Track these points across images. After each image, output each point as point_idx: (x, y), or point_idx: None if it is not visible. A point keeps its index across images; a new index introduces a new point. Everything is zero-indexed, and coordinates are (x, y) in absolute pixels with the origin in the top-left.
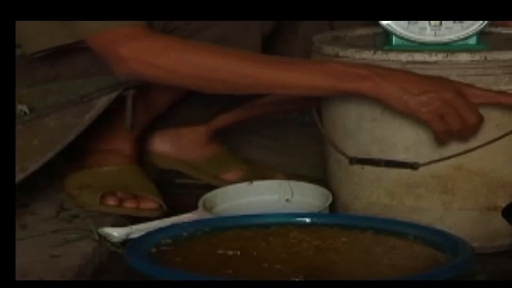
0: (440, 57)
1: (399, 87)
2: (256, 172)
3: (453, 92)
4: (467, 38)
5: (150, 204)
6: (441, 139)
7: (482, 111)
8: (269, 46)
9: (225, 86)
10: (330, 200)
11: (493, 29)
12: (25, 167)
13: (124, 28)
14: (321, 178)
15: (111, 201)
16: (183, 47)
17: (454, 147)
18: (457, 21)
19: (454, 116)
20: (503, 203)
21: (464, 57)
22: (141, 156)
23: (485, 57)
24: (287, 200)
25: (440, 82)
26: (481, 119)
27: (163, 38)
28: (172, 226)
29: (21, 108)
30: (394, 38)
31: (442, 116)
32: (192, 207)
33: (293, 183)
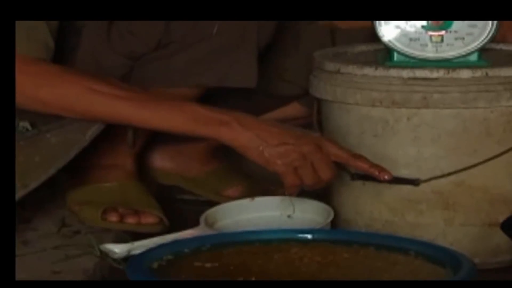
0: (441, 73)
1: (257, 136)
2: (258, 187)
3: (312, 146)
4: (468, 54)
5: (151, 218)
6: (290, 191)
7: (484, 124)
8: (271, 61)
9: (94, 119)
10: (332, 216)
11: (494, 46)
12: (26, 183)
13: (21, 53)
14: (323, 194)
15: (113, 217)
16: (56, 79)
17: (455, 163)
18: (458, 38)
19: (308, 170)
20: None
21: (465, 73)
22: (142, 172)
23: (487, 74)
24: (289, 216)
25: (301, 135)
26: (333, 175)
27: (43, 67)
28: (174, 242)
29: (23, 124)
30: (395, 54)
31: (296, 169)
32: (194, 223)
33: (294, 199)
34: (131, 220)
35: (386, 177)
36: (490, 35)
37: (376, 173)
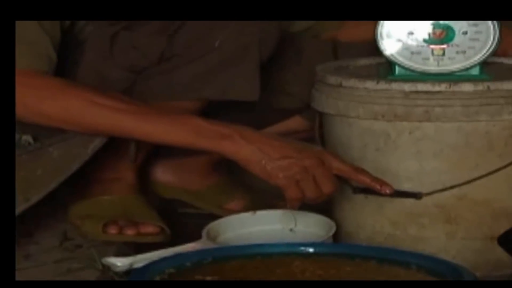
0: (443, 87)
1: (259, 149)
2: (259, 201)
3: (314, 159)
4: (470, 68)
5: (150, 228)
6: (292, 205)
7: (486, 138)
8: (273, 74)
9: (96, 133)
10: (334, 229)
11: (496, 59)
12: (28, 197)
13: (22, 67)
14: (325, 207)
15: (113, 230)
16: (59, 92)
17: (457, 177)
18: (460, 52)
19: (310, 183)
20: None
21: (467, 87)
22: (144, 185)
23: (488, 87)
24: (291, 230)
25: (303, 148)
26: (335, 189)
27: (46, 80)
28: (176, 256)
29: (25, 138)
30: (397, 68)
31: (298, 183)
32: (196, 237)
33: (296, 212)
34: (129, 231)
35: (387, 191)
36: (492, 49)
37: (378, 187)
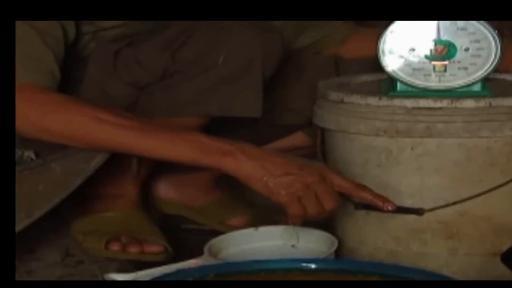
0: (445, 103)
1: (261, 166)
2: (261, 216)
3: (316, 176)
4: (471, 84)
5: (154, 247)
6: (294, 221)
7: (487, 154)
8: (275, 91)
9: (98, 148)
10: (336, 245)
11: (497, 76)
12: (30, 213)
13: (23, 81)
14: (327, 223)
15: (115, 247)
16: (62, 107)
17: (459, 193)
18: (461, 68)
19: (311, 200)
20: None
21: (469, 103)
22: (147, 201)
23: (490, 103)
24: (293, 246)
25: (305, 165)
26: (337, 205)
27: (49, 95)
28: (177, 272)
29: (27, 154)
30: (399, 84)
31: (300, 199)
32: (198, 253)
33: (298, 228)
34: (133, 249)
35: (389, 207)
36: (493, 65)
37: (380, 203)
